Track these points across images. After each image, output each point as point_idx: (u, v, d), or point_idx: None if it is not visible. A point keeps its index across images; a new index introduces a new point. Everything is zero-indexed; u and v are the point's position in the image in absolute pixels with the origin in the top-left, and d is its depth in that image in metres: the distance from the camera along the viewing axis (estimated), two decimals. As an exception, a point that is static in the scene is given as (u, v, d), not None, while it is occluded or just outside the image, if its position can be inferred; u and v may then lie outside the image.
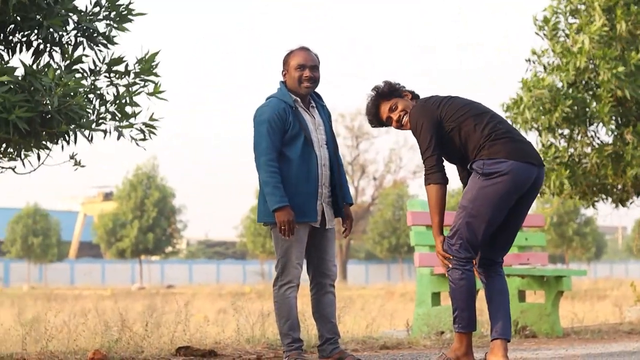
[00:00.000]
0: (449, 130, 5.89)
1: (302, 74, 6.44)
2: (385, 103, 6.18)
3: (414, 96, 6.22)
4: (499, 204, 5.77)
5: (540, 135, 11.87)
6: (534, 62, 12.12)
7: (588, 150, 12.03)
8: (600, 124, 11.90)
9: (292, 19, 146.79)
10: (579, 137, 12.03)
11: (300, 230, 6.37)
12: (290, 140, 6.37)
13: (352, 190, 61.57)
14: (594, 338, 9.35)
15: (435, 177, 5.87)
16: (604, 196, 12.40)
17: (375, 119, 6.24)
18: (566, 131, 12.00)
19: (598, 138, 12.08)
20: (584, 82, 11.83)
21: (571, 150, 12.05)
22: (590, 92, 11.81)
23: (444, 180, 5.89)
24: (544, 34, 12.13)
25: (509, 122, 5.90)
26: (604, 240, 68.69)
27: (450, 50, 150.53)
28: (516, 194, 5.83)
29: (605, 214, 13.43)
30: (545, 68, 12.03)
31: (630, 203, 12.59)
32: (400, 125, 6.14)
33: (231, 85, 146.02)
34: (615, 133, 11.95)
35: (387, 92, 6.17)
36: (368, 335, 8.79)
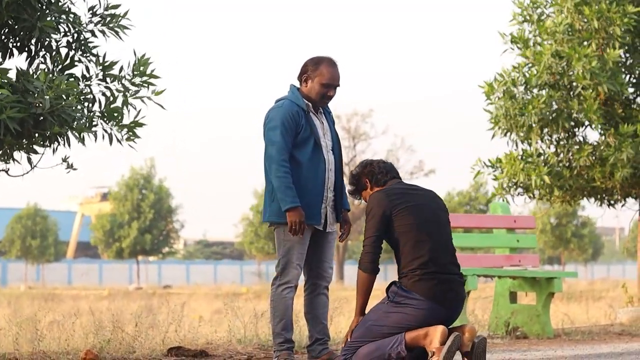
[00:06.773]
0: (393, 229, 5.95)
1: (327, 92, 6.46)
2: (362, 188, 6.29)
3: (377, 179, 6.21)
4: (399, 328, 5.85)
5: (516, 144, 11.89)
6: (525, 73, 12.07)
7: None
8: (588, 126, 11.91)
9: (294, 19, 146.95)
10: (565, 141, 12.03)
11: (304, 232, 6.41)
12: (300, 143, 6.40)
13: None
14: (584, 339, 9.39)
15: (366, 264, 5.97)
16: (592, 200, 12.40)
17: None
18: (555, 136, 11.99)
19: (587, 142, 12.07)
20: (565, 84, 11.78)
21: (561, 155, 12.03)
22: (574, 95, 11.73)
23: (374, 270, 5.97)
24: (518, 47, 12.12)
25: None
26: (600, 241, 68.68)
27: (446, 54, 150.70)
28: (419, 326, 5.86)
29: (598, 215, 13.55)
30: (533, 76, 11.97)
31: (622, 206, 12.60)
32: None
33: (230, 85, 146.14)
34: (602, 134, 11.95)
35: (356, 184, 6.28)
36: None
